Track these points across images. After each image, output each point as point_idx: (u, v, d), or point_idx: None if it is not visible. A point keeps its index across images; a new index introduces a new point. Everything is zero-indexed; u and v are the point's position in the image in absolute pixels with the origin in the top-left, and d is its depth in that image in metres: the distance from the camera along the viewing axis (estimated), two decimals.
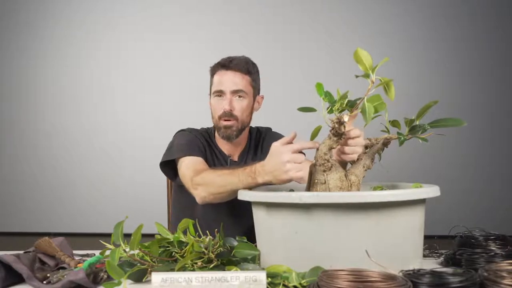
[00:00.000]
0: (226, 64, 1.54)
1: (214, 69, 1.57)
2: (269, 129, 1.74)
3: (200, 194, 1.32)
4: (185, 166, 1.44)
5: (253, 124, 1.67)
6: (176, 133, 1.64)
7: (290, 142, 1.11)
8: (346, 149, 1.13)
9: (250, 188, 1.17)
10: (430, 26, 2.67)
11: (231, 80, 1.52)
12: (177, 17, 2.76)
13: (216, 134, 1.63)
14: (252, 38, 2.70)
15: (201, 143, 1.58)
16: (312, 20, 2.72)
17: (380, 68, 0.96)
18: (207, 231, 1.09)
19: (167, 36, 2.76)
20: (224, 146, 1.62)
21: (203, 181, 1.32)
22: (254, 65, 1.59)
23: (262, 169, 1.14)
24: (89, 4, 2.79)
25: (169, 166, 1.56)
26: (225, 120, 1.53)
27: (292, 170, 1.08)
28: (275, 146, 1.12)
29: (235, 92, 1.52)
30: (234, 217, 1.53)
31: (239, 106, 1.53)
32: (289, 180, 1.11)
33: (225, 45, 2.70)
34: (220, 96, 1.54)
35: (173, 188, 1.71)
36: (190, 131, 1.63)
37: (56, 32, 2.79)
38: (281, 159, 1.09)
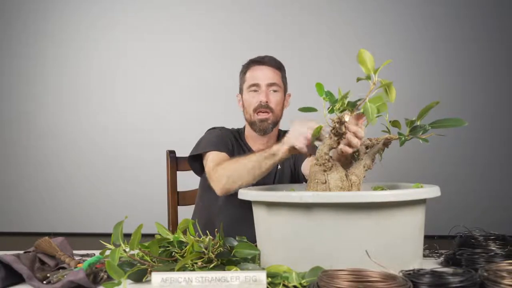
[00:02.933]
0: (259, 60, 1.64)
1: (247, 66, 1.65)
2: None
3: (221, 181, 1.39)
4: (210, 160, 1.50)
5: None
6: (207, 130, 1.69)
7: None
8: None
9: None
10: (430, 26, 2.66)
11: (266, 74, 1.61)
12: (178, 17, 2.76)
13: (246, 133, 1.69)
14: (252, 38, 2.70)
15: (229, 140, 1.63)
16: (312, 20, 2.72)
17: (381, 69, 0.96)
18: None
19: (167, 36, 2.76)
20: (253, 145, 1.67)
21: (222, 167, 1.40)
22: (282, 64, 1.68)
23: (281, 140, 1.29)
24: (89, 4, 2.79)
25: (198, 162, 1.61)
26: (260, 113, 1.59)
27: (300, 141, 1.20)
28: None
29: (270, 85, 1.60)
30: None
31: (274, 99, 1.61)
32: (292, 148, 1.23)
33: (225, 45, 2.71)
34: (255, 90, 1.60)
35: (199, 185, 1.74)
36: (221, 129, 1.68)
37: (56, 32, 2.79)
38: (298, 128, 1.22)
